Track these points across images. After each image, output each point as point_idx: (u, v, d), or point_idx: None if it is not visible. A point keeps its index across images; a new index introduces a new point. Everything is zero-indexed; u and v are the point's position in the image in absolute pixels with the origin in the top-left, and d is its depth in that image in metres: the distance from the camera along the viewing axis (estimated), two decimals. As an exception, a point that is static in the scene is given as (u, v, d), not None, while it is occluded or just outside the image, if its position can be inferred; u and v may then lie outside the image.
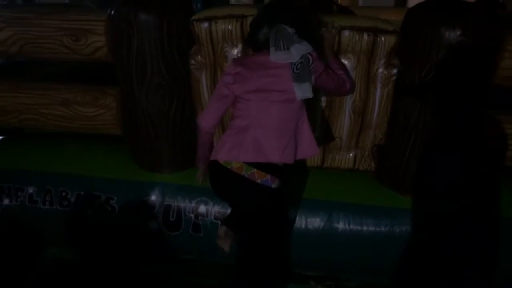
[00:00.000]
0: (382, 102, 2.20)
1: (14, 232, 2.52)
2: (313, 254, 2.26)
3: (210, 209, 2.30)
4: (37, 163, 2.55)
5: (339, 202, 2.25)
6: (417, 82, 2.01)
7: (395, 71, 2.12)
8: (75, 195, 2.41)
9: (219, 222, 2.26)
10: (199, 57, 2.20)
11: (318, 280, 2.40)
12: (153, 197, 2.36)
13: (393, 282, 2.27)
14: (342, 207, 2.24)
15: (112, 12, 2.15)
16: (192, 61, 2.21)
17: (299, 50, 1.67)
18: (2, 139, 2.90)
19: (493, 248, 2.14)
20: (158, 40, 2.10)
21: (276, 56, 1.70)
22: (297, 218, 2.24)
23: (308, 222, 2.23)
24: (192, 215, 2.31)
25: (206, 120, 1.91)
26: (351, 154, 2.37)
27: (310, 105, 1.92)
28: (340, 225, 2.21)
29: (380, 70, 2.13)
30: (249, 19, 1.95)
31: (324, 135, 2.31)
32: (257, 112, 1.75)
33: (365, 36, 2.04)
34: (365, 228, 2.19)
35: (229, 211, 2.20)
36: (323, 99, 2.25)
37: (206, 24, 2.09)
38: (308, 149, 1.85)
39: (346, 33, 2.05)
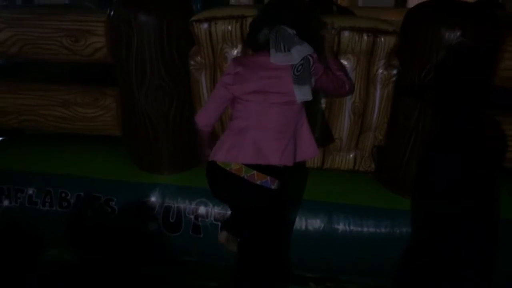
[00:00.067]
0: (382, 103, 2.19)
1: (14, 234, 2.52)
2: (313, 255, 2.25)
3: (210, 211, 2.29)
4: (37, 164, 2.54)
5: (339, 204, 2.25)
6: (417, 82, 2.01)
7: (395, 71, 2.12)
8: (75, 196, 2.41)
9: (219, 224, 2.27)
10: (198, 58, 2.20)
11: (318, 281, 2.39)
12: (153, 198, 2.35)
13: (393, 284, 2.26)
14: (342, 208, 2.23)
15: (112, 13, 2.15)
16: (192, 62, 2.21)
17: (300, 51, 1.65)
18: (1, 140, 2.90)
19: (492, 249, 2.14)
20: (158, 41, 2.09)
21: (276, 58, 1.69)
22: (297, 219, 2.23)
23: (308, 223, 2.23)
24: (192, 217, 2.31)
25: (203, 119, 1.92)
26: (351, 155, 2.37)
27: (310, 106, 1.91)
28: (340, 227, 2.21)
29: (380, 71, 2.13)
30: (249, 20, 1.95)
31: (324, 136, 2.31)
32: (256, 114, 1.74)
33: (365, 37, 2.04)
34: (365, 229, 2.19)
35: (229, 212, 2.20)
36: (323, 100, 2.24)
37: (205, 25, 2.09)
38: (308, 150, 1.84)
39: (346, 33, 2.05)
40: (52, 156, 2.60)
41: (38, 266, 2.46)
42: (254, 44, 1.83)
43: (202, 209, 2.30)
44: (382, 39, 2.03)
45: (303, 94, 1.67)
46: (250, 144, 1.73)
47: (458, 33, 1.85)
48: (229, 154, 1.75)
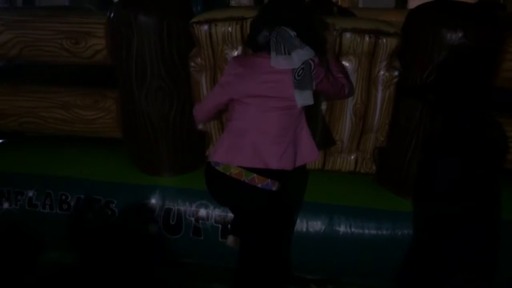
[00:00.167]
0: (384, 104, 2.19)
1: (14, 236, 2.51)
2: (314, 257, 2.25)
3: (211, 213, 2.29)
4: (37, 166, 2.54)
5: (340, 205, 2.24)
6: (418, 84, 2.01)
7: (396, 73, 2.11)
8: (75, 198, 2.40)
9: (219, 226, 2.26)
10: (199, 59, 2.19)
11: (319, 283, 2.39)
12: (153, 201, 2.34)
13: (394, 285, 2.26)
14: (343, 210, 2.22)
15: (112, 15, 2.15)
16: (192, 64, 2.20)
17: (300, 55, 1.62)
18: (1, 142, 2.89)
19: (493, 250, 2.14)
20: (158, 42, 2.09)
21: (276, 61, 1.65)
22: (298, 221, 2.22)
23: (309, 225, 2.22)
24: (193, 219, 2.30)
25: (201, 115, 1.98)
26: (352, 157, 2.36)
27: (311, 108, 1.89)
28: (341, 228, 2.20)
29: (382, 72, 2.12)
30: (249, 21, 1.93)
31: (325, 138, 2.30)
32: (255, 117, 1.72)
33: (367, 38, 2.03)
34: (366, 231, 2.18)
35: (229, 214, 2.19)
36: (324, 102, 2.23)
37: (206, 27, 2.09)
38: (308, 154, 1.82)
39: (348, 35, 2.04)
40: (52, 158, 2.59)
41: (38, 268, 2.46)
42: (254, 45, 1.80)
43: (202, 211, 2.30)
44: (384, 40, 2.03)
45: (304, 99, 1.65)
46: (249, 147, 1.71)
47: (459, 34, 1.85)
48: (228, 154, 1.74)
